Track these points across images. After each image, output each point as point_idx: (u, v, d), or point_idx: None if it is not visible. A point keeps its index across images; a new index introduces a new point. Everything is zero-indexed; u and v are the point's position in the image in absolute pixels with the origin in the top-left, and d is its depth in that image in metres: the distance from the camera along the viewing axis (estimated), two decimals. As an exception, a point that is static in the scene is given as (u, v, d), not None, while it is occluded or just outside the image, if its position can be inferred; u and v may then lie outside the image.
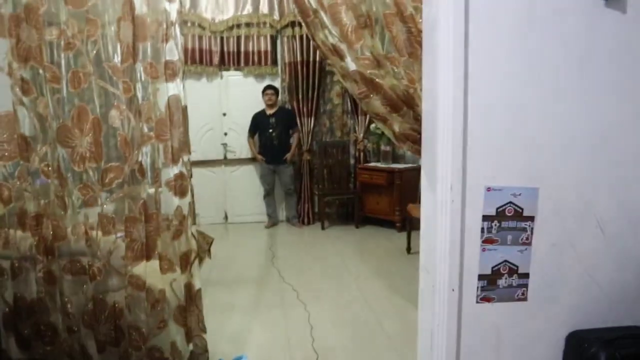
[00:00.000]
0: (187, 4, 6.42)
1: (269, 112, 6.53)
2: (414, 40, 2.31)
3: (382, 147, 6.73)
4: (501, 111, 1.95)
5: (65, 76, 2.22)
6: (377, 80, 2.51)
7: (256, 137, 6.73)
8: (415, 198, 6.36)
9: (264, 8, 6.64)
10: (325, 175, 6.98)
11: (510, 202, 2.03)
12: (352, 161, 7.06)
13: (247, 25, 6.64)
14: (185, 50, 6.45)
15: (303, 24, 2.77)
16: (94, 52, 2.21)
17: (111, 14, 2.18)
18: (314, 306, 4.02)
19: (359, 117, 6.85)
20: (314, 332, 3.54)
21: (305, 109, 6.79)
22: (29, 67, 2.21)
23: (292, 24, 6.57)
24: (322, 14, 2.51)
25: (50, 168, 2.26)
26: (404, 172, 6.29)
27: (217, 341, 3.29)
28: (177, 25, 2.22)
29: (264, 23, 6.66)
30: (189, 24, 6.47)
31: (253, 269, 5.19)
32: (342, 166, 7.01)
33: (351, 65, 2.55)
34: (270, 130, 6.51)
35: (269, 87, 6.55)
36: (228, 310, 3.99)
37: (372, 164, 6.78)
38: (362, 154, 6.93)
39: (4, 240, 2.34)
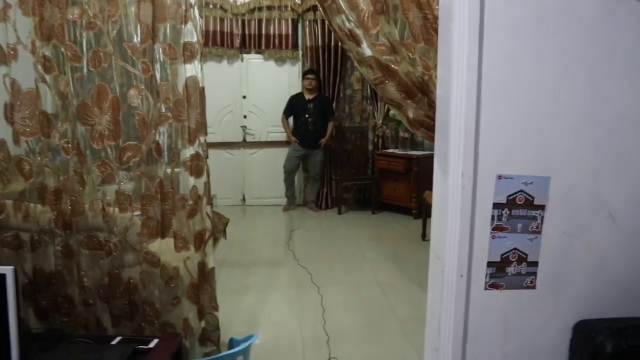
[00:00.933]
0: (210, -14, 6.43)
1: (308, 97, 6.47)
2: (430, 27, 2.30)
3: (401, 134, 6.76)
4: (514, 100, 1.95)
5: (86, 55, 2.26)
6: (392, 66, 2.51)
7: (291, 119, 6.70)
8: (432, 185, 6.32)
9: (285, -9, 6.62)
10: (343, 160, 7.02)
11: (521, 191, 2.02)
12: (370, 147, 7.09)
13: (269, 8, 6.66)
14: (207, 33, 6.50)
15: (320, 8, 2.77)
16: (115, 32, 2.24)
17: (132, -6, 2.22)
18: (327, 289, 4.08)
19: (379, 103, 6.85)
20: (326, 314, 3.60)
21: (326, 94, 6.78)
22: (51, 45, 2.25)
23: (314, 8, 6.56)
24: (340, -2, 2.52)
25: (70, 145, 2.31)
26: (422, 159, 6.31)
27: (230, 320, 3.36)
28: (196, 8, 2.24)
29: (285, 6, 6.67)
30: (210, 6, 6.50)
31: (268, 251, 5.27)
32: (360, 152, 7.04)
33: (367, 51, 2.55)
34: (307, 116, 6.47)
35: (310, 71, 6.50)
36: (242, 291, 4.07)
37: (390, 151, 6.82)
38: (380, 140, 6.96)
39: (24, 214, 2.41)
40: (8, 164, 2.37)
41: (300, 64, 6.89)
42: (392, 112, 6.57)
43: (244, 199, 7.20)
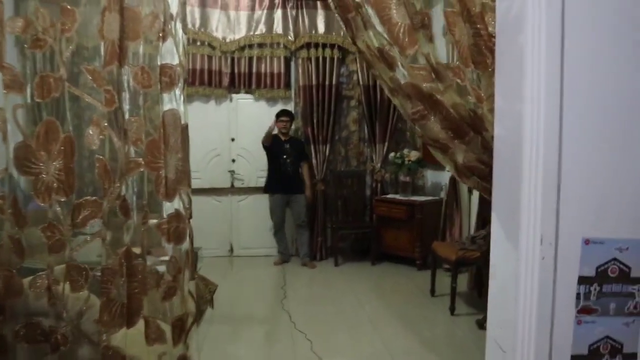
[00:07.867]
0: (197, 23, 6.18)
1: (284, 138, 6.20)
2: (484, 46, 1.80)
3: (401, 178, 6.39)
4: (607, 142, 1.52)
5: (31, 82, 1.74)
6: (436, 96, 1.99)
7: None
8: (437, 234, 5.97)
9: (278, 28, 6.38)
10: (339, 206, 6.65)
11: (615, 259, 1.59)
12: (368, 192, 6.74)
13: (260, 45, 6.41)
14: (194, 71, 6.26)
15: (342, 22, 2.25)
16: (69, 51, 1.73)
17: (93, 3, 1.72)
18: (331, 360, 3.56)
19: (377, 146, 6.58)
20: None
21: (320, 136, 6.46)
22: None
23: (308, 45, 6.36)
24: (367, 8, 1.98)
25: (3, 201, 1.75)
26: (425, 205, 5.99)
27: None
28: (178, 20, 1.76)
29: (278, 44, 6.42)
30: (198, 44, 6.26)
31: (261, 311, 4.81)
32: (357, 197, 6.70)
33: (403, 77, 2.04)
34: (285, 157, 6.16)
35: (284, 112, 6.16)
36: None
37: (390, 196, 6.46)
38: (379, 184, 6.62)
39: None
40: None
41: (292, 104, 6.59)
42: (391, 155, 6.30)
43: (231, 250, 6.77)
